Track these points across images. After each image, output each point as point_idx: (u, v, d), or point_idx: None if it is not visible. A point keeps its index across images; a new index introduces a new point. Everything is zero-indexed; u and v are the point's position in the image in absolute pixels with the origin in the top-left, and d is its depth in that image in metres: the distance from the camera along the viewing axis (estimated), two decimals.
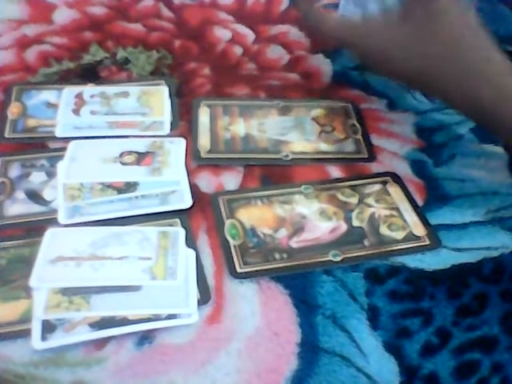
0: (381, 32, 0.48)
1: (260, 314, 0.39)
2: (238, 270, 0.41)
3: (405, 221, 0.45)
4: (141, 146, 0.48)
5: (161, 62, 0.60)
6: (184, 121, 0.53)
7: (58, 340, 0.36)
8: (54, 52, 0.61)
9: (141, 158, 0.47)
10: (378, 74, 0.55)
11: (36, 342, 0.36)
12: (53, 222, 0.43)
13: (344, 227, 0.45)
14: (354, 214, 0.46)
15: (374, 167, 0.51)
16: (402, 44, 0.47)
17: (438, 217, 0.46)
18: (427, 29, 0.45)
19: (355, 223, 0.45)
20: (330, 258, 0.42)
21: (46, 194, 0.45)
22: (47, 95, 0.54)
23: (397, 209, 0.46)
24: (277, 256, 0.42)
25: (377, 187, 0.48)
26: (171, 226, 0.43)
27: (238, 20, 0.67)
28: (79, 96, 0.53)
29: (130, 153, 0.47)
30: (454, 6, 0.45)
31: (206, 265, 0.42)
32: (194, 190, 0.47)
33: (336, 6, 0.57)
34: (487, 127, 0.46)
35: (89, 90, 0.54)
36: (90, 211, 0.44)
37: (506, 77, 0.43)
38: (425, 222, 0.45)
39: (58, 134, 0.50)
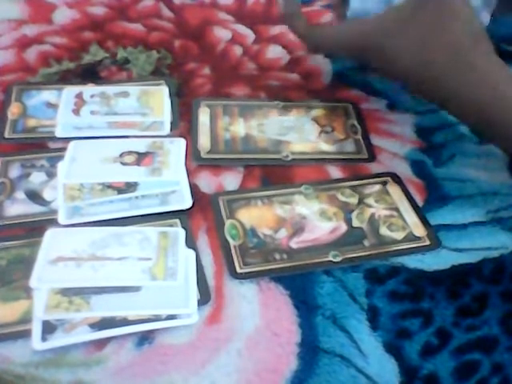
0: (384, 34, 0.47)
1: (260, 315, 0.39)
2: (238, 270, 0.41)
3: (405, 221, 0.45)
4: (141, 146, 0.48)
5: (161, 62, 0.60)
6: (184, 121, 0.53)
7: (58, 340, 0.36)
8: (54, 52, 0.61)
9: (141, 158, 0.47)
10: (377, 72, 0.55)
11: (36, 342, 0.36)
12: (53, 222, 0.43)
13: (344, 227, 0.45)
14: (353, 215, 0.46)
15: (374, 167, 0.51)
16: (405, 48, 0.46)
17: (438, 217, 0.46)
18: (433, 34, 0.45)
19: (355, 223, 0.45)
20: (329, 258, 0.42)
21: (46, 195, 0.45)
22: (47, 95, 0.54)
23: (397, 209, 0.46)
24: (277, 256, 0.42)
25: (377, 187, 0.48)
26: (171, 226, 0.43)
27: (237, 20, 0.67)
28: (79, 96, 0.53)
29: (130, 153, 0.47)
30: (465, 10, 0.45)
31: (206, 265, 0.42)
32: (194, 190, 0.46)
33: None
34: (487, 135, 0.46)
35: (89, 89, 0.54)
36: (90, 211, 0.44)
37: (509, 85, 0.43)
38: (425, 223, 0.45)
39: (58, 134, 0.50)
